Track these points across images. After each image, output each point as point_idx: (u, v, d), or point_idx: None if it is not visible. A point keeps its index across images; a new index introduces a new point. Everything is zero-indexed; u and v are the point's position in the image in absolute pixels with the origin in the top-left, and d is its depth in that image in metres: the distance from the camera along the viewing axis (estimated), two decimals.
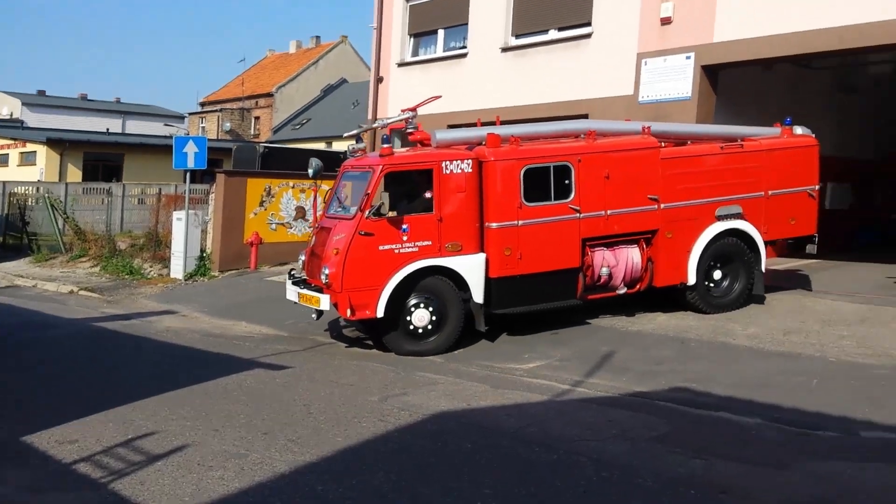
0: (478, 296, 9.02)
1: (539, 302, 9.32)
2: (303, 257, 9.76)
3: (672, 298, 10.09)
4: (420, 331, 8.92)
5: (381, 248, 8.74)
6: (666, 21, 13.46)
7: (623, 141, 9.95)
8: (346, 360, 8.85)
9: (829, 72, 17.27)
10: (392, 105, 18.21)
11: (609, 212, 9.53)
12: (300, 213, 16.57)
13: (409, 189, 9.12)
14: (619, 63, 14.12)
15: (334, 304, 8.72)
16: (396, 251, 8.79)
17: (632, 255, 9.71)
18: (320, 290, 8.89)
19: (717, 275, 10.10)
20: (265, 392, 7.38)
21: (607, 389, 7.30)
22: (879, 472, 5.25)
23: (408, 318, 8.87)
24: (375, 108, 18.52)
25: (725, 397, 6.95)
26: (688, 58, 13.26)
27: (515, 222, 9.13)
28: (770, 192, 10.26)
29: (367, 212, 8.68)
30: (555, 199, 9.34)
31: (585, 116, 14.41)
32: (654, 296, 10.02)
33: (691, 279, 9.84)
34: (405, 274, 8.76)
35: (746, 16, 12.51)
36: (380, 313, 8.70)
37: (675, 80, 13.45)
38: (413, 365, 8.46)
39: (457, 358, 8.75)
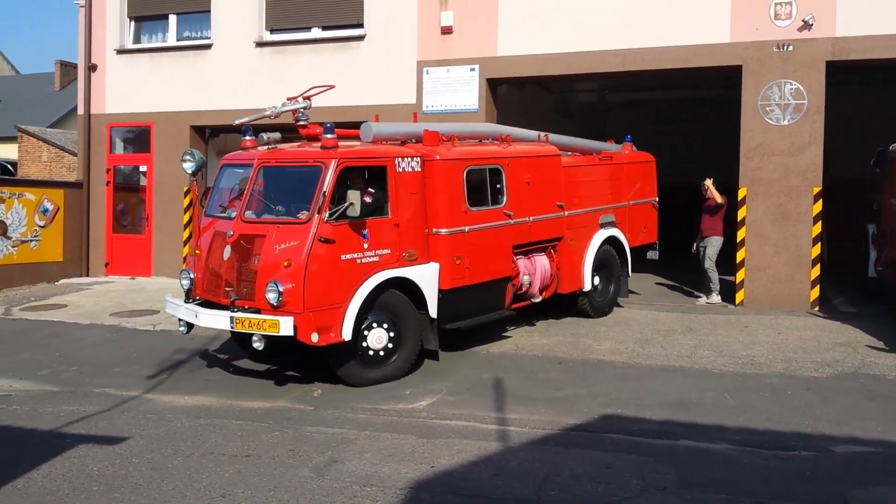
0: (433, 310, 8.04)
1: (479, 314, 8.69)
2: (192, 275, 7.93)
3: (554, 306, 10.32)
4: (379, 354, 7.68)
5: (343, 257, 7.32)
6: (447, 31, 13.03)
7: (535, 148, 9.74)
8: (188, 419, 6.76)
9: (555, 96, 18.40)
10: (112, 97, 15.36)
11: (531, 218, 9.28)
12: (1, 228, 13.05)
13: (362, 188, 7.75)
14: (398, 70, 13.37)
15: (294, 328, 7.01)
16: (359, 261, 7.44)
17: (544, 263, 9.57)
18: (257, 311, 7.17)
19: (596, 280, 10.41)
20: (139, 482, 5.21)
21: (542, 425, 6.43)
22: None
23: (363, 341, 7.55)
24: (88, 100, 15.36)
25: (664, 421, 6.52)
26: (472, 70, 12.97)
27: (463, 228, 8.36)
28: (631, 203, 10.92)
29: (326, 214, 7.19)
30: (492, 205, 8.80)
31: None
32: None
33: (587, 285, 10.13)
34: (371, 287, 7.44)
35: (526, 32, 12.58)
36: (346, 335, 7.27)
37: (461, 91, 13.06)
38: (286, 417, 6.75)
39: (321, 402, 7.19)
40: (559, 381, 7.72)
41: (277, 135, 8.42)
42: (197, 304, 7.79)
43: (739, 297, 11.44)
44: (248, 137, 8.38)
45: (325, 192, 7.30)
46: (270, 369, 8.43)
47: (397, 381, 7.79)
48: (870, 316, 10.65)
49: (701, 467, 5.48)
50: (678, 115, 20.56)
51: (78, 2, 15.66)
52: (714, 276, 11.55)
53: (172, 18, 15.26)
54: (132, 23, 15.59)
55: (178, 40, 15.23)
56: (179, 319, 8.00)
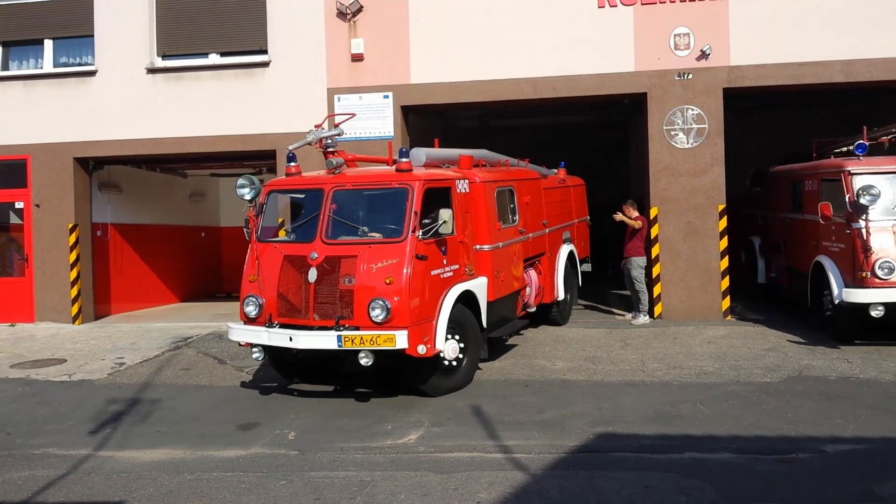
0: (485, 320, 8.63)
1: (503, 324, 9.31)
2: (261, 300, 8.00)
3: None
4: (451, 364, 8.19)
5: (432, 272, 7.85)
6: (357, 58, 12.95)
7: (526, 171, 10.73)
8: (169, 475, 6.21)
9: (443, 122, 18.70)
10: None
11: (531, 235, 10.20)
12: None
13: (433, 209, 8.16)
14: (307, 97, 13.08)
15: (407, 341, 7.46)
16: (441, 276, 7.99)
17: (534, 276, 10.38)
18: (356, 329, 7.52)
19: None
20: None
21: (547, 450, 6.46)
22: None
23: (441, 353, 7.95)
24: None
25: (658, 436, 6.74)
26: (386, 97, 12.94)
27: (498, 244, 9.09)
28: (577, 220, 12.20)
29: (419, 232, 7.71)
30: (511, 223, 9.66)
31: (273, 152, 13.16)
32: None
33: (560, 295, 11.22)
34: (453, 300, 7.94)
35: (437, 60, 12.73)
36: (441, 346, 7.75)
37: (374, 118, 12.97)
38: (277, 465, 6.37)
39: (301, 445, 6.84)
40: (536, 404, 7.79)
41: (342, 160, 8.64)
42: (279, 328, 7.80)
43: (658, 309, 12.04)
44: (293, 164, 8.72)
45: (415, 211, 7.74)
46: (213, 416, 7.96)
47: (374, 418, 7.58)
48: (777, 321, 11.54)
49: (727, 479, 5.69)
50: (551, 140, 21.44)
51: None
52: (644, 297, 11.92)
53: (48, 43, 14.16)
54: None
55: (55, 66, 14.13)
56: (253, 346, 8.07)
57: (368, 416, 7.67)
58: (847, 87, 12.23)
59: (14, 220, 14.28)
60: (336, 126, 8.86)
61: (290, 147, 8.85)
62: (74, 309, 13.62)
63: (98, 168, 14.46)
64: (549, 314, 11.29)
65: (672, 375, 8.69)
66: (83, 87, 13.78)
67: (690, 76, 12.04)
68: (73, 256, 13.63)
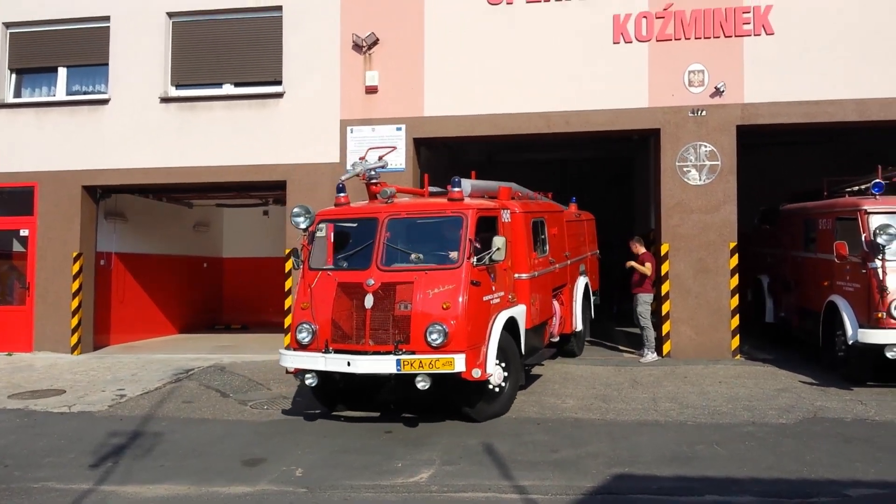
0: (523, 347, 8.78)
1: (534, 353, 9.46)
2: (314, 327, 8.07)
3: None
4: (495, 389, 8.24)
5: (483, 298, 8.04)
6: (372, 90, 12.95)
7: (552, 204, 11.16)
8: None
9: (449, 155, 18.66)
10: None
11: (558, 265, 10.47)
12: None
13: (479, 237, 8.43)
14: (320, 128, 13.09)
15: (465, 365, 7.64)
16: (491, 302, 8.19)
17: (557, 306, 10.57)
18: (412, 354, 7.66)
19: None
20: None
21: (564, 491, 6.28)
22: None
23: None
24: None
25: (676, 478, 6.56)
26: (399, 129, 12.92)
27: (534, 273, 9.35)
28: (590, 254, 12.62)
29: (474, 259, 7.92)
30: (542, 253, 9.96)
31: (283, 183, 13.12)
32: None
33: (578, 326, 11.50)
34: (501, 326, 8.09)
35: (452, 93, 12.72)
36: (490, 370, 7.87)
37: (387, 150, 12.92)
38: (276, 503, 6.20)
39: (310, 482, 6.66)
40: (550, 443, 7.60)
41: (394, 189, 8.86)
42: (334, 354, 7.84)
43: (666, 347, 11.88)
44: (343, 195, 8.97)
45: (469, 238, 7.96)
46: (217, 450, 7.77)
47: (383, 455, 7.40)
48: (786, 361, 11.40)
49: None
50: (553, 174, 21.42)
51: None
52: (650, 333, 11.77)
53: (62, 71, 14.21)
54: (13, 75, 14.36)
55: (67, 94, 14.16)
56: (306, 372, 8.04)
57: (377, 452, 7.49)
58: (859, 126, 12.18)
59: (17, 247, 14.20)
60: (380, 159, 9.20)
61: (342, 178, 9.15)
62: (74, 339, 13.47)
63: (105, 196, 14.41)
64: (566, 344, 11.41)
65: (686, 415, 8.51)
66: (95, 116, 13.79)
67: (704, 113, 12.02)
68: (75, 285, 13.52)
